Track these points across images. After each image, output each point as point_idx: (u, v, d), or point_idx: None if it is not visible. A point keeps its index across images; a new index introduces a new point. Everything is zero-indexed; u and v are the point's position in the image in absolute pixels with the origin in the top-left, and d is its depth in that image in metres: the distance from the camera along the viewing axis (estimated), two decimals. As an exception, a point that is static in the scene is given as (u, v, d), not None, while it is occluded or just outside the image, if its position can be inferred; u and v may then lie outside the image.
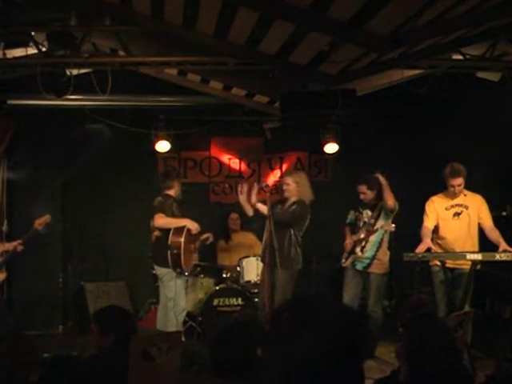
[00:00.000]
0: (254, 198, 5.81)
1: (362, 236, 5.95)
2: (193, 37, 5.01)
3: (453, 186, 5.57)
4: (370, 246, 5.96)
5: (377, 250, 5.97)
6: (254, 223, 7.24)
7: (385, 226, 5.86)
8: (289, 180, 5.91)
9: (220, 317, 6.36)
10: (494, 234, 5.54)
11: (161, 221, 5.71)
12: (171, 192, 5.93)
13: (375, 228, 5.88)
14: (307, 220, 5.94)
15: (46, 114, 6.85)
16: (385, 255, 6.00)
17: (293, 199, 5.87)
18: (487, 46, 5.47)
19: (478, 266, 5.36)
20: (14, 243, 5.72)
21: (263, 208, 5.72)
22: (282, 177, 8.26)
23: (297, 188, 5.87)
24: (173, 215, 5.80)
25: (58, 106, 6.49)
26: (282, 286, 5.57)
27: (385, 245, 6.01)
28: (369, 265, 5.97)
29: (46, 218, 5.73)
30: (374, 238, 5.98)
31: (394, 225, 5.86)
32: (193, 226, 5.80)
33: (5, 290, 6.64)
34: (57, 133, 7.36)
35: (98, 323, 3.72)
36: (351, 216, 6.25)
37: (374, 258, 5.96)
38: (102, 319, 3.75)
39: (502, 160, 6.70)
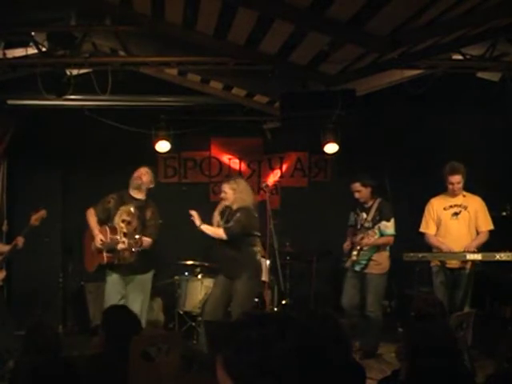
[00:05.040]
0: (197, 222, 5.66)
1: (357, 240, 5.95)
2: (193, 37, 5.01)
3: (452, 184, 5.58)
4: (367, 248, 5.96)
5: (373, 252, 5.96)
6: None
7: (367, 241, 5.88)
8: (226, 188, 5.67)
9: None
10: (477, 237, 5.59)
11: (86, 215, 5.70)
12: (130, 189, 5.78)
13: (368, 234, 5.89)
14: (256, 224, 5.72)
15: (46, 114, 6.85)
16: (382, 256, 5.99)
17: (234, 207, 5.66)
18: (487, 45, 5.46)
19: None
20: (13, 243, 5.76)
21: (208, 229, 5.61)
22: (281, 177, 8.29)
23: (234, 195, 5.63)
24: (108, 214, 5.67)
25: (58, 106, 6.48)
26: (241, 298, 5.52)
27: (383, 246, 6.01)
28: (366, 266, 5.99)
29: (42, 213, 5.74)
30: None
31: (369, 238, 5.88)
32: (95, 240, 5.56)
33: (4, 289, 6.64)
34: (57, 133, 7.36)
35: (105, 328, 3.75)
36: (351, 217, 6.26)
37: (370, 259, 5.97)
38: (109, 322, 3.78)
39: (501, 160, 6.71)
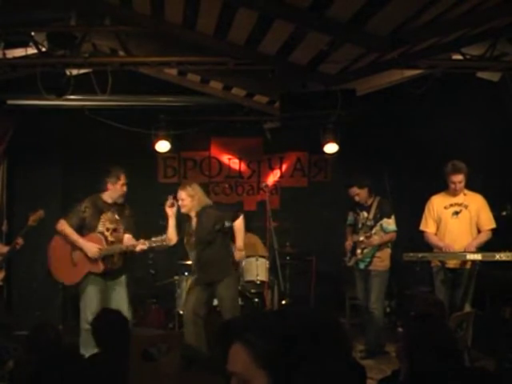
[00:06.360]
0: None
1: (361, 239, 5.98)
2: (193, 37, 5.01)
3: (454, 183, 5.58)
4: (370, 246, 6.01)
5: (377, 250, 6.02)
6: (255, 223, 7.26)
7: (376, 239, 5.94)
8: (182, 195, 5.50)
9: (220, 317, 6.35)
10: (478, 236, 5.59)
11: (60, 227, 5.41)
12: (104, 195, 5.55)
13: (371, 233, 5.92)
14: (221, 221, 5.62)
15: (46, 114, 6.85)
16: (385, 253, 6.07)
17: (194, 211, 5.55)
18: (487, 46, 5.46)
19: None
20: (12, 244, 5.80)
21: (241, 245, 5.54)
22: (281, 177, 8.29)
23: (192, 202, 5.50)
24: (82, 223, 5.42)
25: (58, 106, 6.48)
26: (229, 302, 5.52)
27: (385, 244, 6.05)
28: (369, 263, 6.08)
29: (40, 213, 5.77)
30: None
31: (376, 237, 5.94)
32: (90, 251, 5.36)
33: (4, 289, 6.64)
34: (57, 133, 7.36)
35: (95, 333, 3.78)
36: (350, 217, 6.31)
37: (373, 256, 6.05)
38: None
39: (501, 160, 6.70)
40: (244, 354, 1.17)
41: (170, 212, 5.53)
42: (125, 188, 5.61)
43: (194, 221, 5.57)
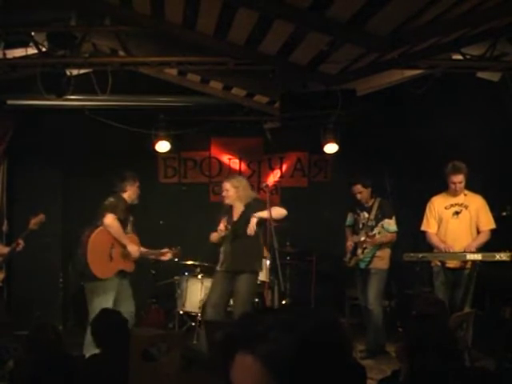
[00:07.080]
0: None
1: (363, 239, 6.00)
2: (193, 37, 5.01)
3: (454, 183, 5.60)
4: (371, 246, 6.03)
5: (377, 249, 6.05)
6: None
7: (379, 238, 5.97)
8: (227, 186, 5.59)
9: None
10: (478, 237, 5.60)
11: (110, 222, 5.37)
12: (125, 195, 5.66)
13: (373, 233, 5.93)
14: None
15: (46, 114, 6.85)
16: (385, 252, 6.10)
17: (242, 203, 5.62)
18: (487, 46, 5.46)
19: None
20: (12, 246, 5.80)
21: (275, 210, 5.52)
22: (281, 177, 8.28)
23: (236, 193, 5.58)
24: (121, 220, 5.49)
25: (58, 106, 6.48)
26: (246, 297, 5.56)
27: (385, 244, 6.07)
28: (370, 262, 6.10)
29: (41, 217, 5.80)
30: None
31: (379, 235, 5.96)
32: (133, 251, 5.49)
33: (4, 290, 6.64)
34: (57, 133, 7.36)
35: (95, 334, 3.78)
36: (350, 218, 6.32)
37: (374, 255, 6.07)
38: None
39: (501, 160, 6.70)
40: (256, 368, 1.04)
41: (222, 231, 5.61)
42: (139, 190, 5.77)
43: (239, 211, 5.61)
